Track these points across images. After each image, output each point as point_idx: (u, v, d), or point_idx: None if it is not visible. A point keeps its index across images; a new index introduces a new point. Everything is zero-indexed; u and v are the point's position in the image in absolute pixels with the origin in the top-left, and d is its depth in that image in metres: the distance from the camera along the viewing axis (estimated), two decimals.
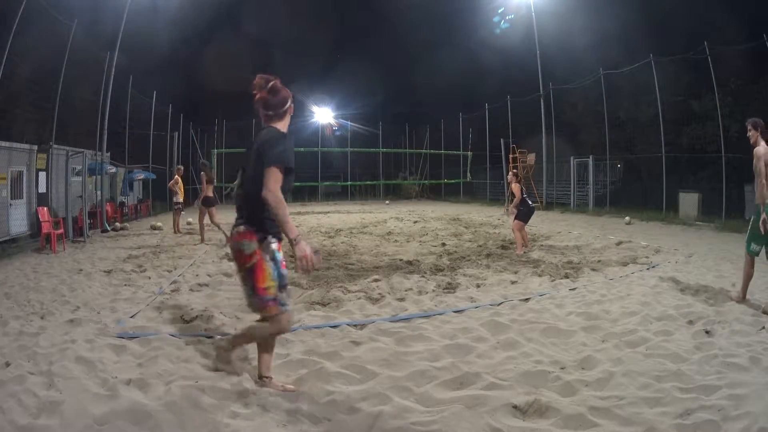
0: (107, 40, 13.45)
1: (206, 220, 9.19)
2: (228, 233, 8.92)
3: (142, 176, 17.14)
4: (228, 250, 6.96)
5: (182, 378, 2.82)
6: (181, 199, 11.22)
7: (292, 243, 2.42)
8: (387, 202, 23.86)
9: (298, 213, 16.87)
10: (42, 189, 10.19)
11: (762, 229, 4.02)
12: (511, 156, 19.70)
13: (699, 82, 14.45)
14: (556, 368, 2.96)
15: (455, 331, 3.69)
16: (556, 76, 18.82)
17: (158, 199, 18.66)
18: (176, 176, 11.37)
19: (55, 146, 10.59)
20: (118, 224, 12.37)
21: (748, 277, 4.33)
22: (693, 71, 14.84)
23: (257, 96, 2.59)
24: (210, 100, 27.87)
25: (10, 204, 9.29)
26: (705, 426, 2.25)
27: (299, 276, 5.83)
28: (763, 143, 4.18)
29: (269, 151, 2.43)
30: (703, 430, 2.24)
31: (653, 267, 6.16)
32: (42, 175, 10.21)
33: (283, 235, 2.50)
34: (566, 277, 5.62)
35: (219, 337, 3.43)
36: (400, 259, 6.88)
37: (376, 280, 5.47)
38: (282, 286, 2.61)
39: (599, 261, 6.61)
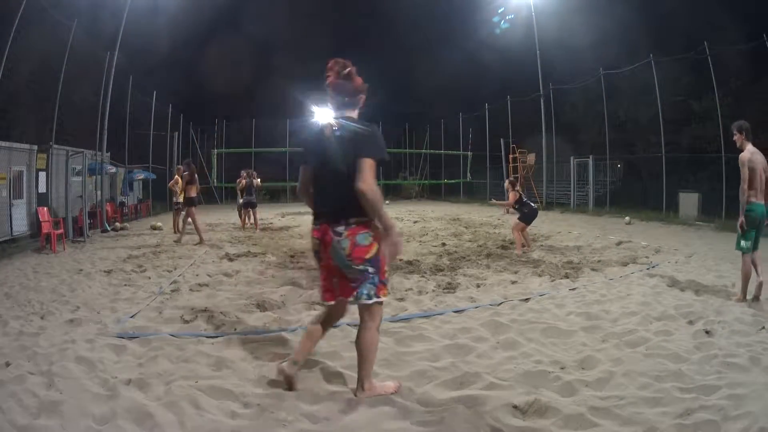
0: (107, 40, 13.45)
1: (191, 218, 9.20)
2: (203, 236, 8.99)
3: (142, 176, 17.14)
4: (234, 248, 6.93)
5: (182, 378, 2.82)
6: (181, 199, 11.22)
7: (389, 232, 2.40)
8: (387, 202, 23.84)
9: (298, 213, 16.86)
10: (42, 189, 10.19)
11: (740, 230, 4.35)
12: (511, 156, 19.71)
13: (699, 82, 14.45)
14: (556, 368, 2.96)
15: (455, 331, 3.69)
16: (556, 76, 18.83)
17: (158, 199, 18.66)
18: (176, 176, 11.36)
19: (55, 146, 10.60)
20: (118, 224, 12.37)
21: (747, 276, 4.38)
22: (693, 71, 14.85)
23: (331, 80, 2.53)
24: (210, 100, 27.89)
25: (12, 204, 9.31)
26: (705, 426, 2.25)
27: (299, 276, 5.84)
28: (748, 147, 4.32)
29: (367, 143, 2.39)
30: (703, 430, 2.24)
31: (653, 267, 6.16)
32: (42, 175, 10.21)
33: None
34: (566, 277, 5.62)
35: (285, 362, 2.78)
36: (400, 259, 6.87)
37: None
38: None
39: (599, 261, 6.62)
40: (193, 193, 9.29)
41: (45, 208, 9.23)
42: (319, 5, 31.93)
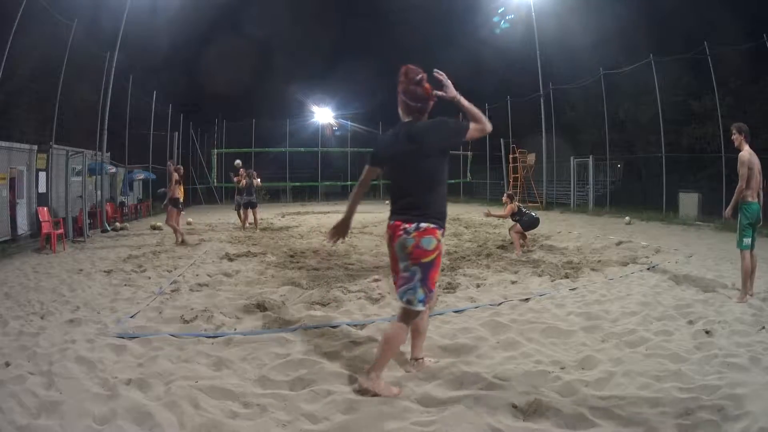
0: (107, 40, 13.45)
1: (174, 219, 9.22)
2: (182, 238, 8.98)
3: (142, 176, 17.15)
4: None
5: (182, 378, 2.82)
6: (181, 200, 11.22)
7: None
8: (387, 202, 23.83)
9: (298, 213, 16.87)
10: (42, 189, 10.19)
11: (728, 216, 4.55)
12: (511, 156, 19.71)
13: (699, 82, 14.46)
14: (556, 368, 2.96)
15: (455, 331, 3.69)
16: (556, 76, 18.83)
17: (158, 199, 18.66)
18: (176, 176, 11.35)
19: (55, 146, 10.60)
20: (118, 224, 12.37)
21: (748, 272, 4.45)
22: (693, 71, 14.86)
23: (404, 87, 2.64)
24: (210, 100, 27.90)
25: (17, 203, 9.35)
26: (705, 426, 2.25)
27: (299, 276, 5.85)
28: (746, 147, 4.47)
29: (446, 127, 2.64)
30: (703, 430, 2.24)
31: (653, 267, 6.16)
32: (42, 175, 10.21)
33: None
34: (566, 277, 5.62)
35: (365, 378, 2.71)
36: None
37: (376, 280, 5.47)
38: None
39: (599, 261, 6.61)
40: (177, 194, 9.29)
41: (45, 208, 9.24)
42: (319, 5, 31.94)
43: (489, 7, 21.38)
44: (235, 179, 11.91)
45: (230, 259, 7.12)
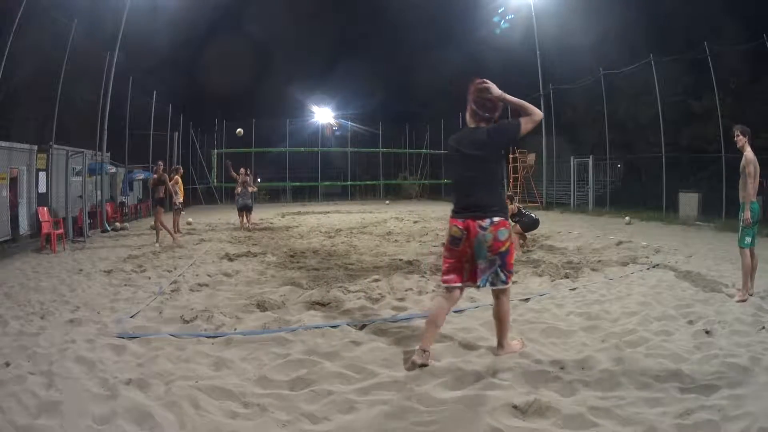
0: (107, 40, 13.45)
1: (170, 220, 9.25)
2: (171, 238, 8.98)
3: (142, 176, 17.14)
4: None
5: (182, 378, 2.83)
6: (181, 200, 11.24)
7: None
8: (387, 202, 23.86)
9: (298, 213, 16.87)
10: (42, 189, 10.20)
11: (745, 223, 4.53)
12: (511, 156, 19.70)
13: (699, 82, 14.45)
14: (556, 368, 2.96)
15: (455, 331, 3.68)
16: (556, 77, 18.82)
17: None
18: (176, 176, 11.37)
19: (55, 146, 10.60)
20: (118, 224, 12.38)
21: (748, 269, 4.51)
22: (693, 71, 14.84)
23: (475, 96, 2.94)
24: (210, 100, 27.88)
25: (19, 202, 9.36)
26: (705, 426, 2.25)
27: (299, 276, 5.85)
28: (749, 148, 4.56)
29: (505, 132, 2.94)
30: (703, 430, 2.24)
31: (653, 267, 6.16)
32: (42, 175, 10.22)
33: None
34: (566, 277, 5.62)
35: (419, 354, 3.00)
36: (400, 259, 6.88)
37: (376, 280, 5.47)
38: None
39: (599, 261, 6.61)
40: (164, 194, 9.28)
41: (45, 208, 9.24)
42: (319, 5, 31.93)
43: (489, 7, 21.40)
44: (233, 175, 11.89)
45: (230, 259, 7.13)
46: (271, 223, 13.00)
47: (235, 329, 3.82)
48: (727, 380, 2.70)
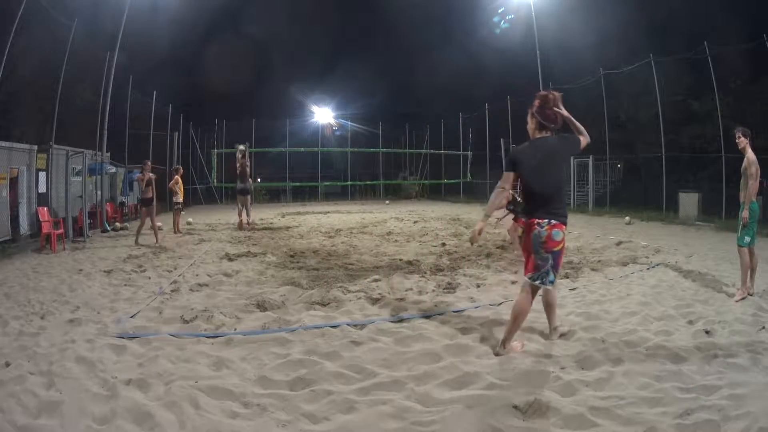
0: (107, 40, 13.45)
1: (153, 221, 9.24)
2: (156, 238, 8.99)
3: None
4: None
5: (182, 378, 2.83)
6: (181, 199, 11.23)
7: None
8: (387, 202, 23.86)
9: (298, 213, 16.87)
10: (42, 189, 10.20)
11: (743, 222, 4.61)
12: None
13: (699, 82, 14.44)
14: (556, 368, 2.96)
15: (455, 331, 3.69)
16: (556, 76, 18.81)
17: (158, 199, 18.65)
18: (176, 176, 11.38)
19: (55, 146, 10.59)
20: (118, 224, 12.37)
21: (747, 267, 4.60)
22: (693, 71, 14.84)
23: (540, 109, 3.24)
24: (210, 100, 27.89)
25: (19, 202, 9.36)
26: (705, 426, 2.25)
27: (299, 276, 5.85)
28: (750, 149, 4.63)
29: (572, 145, 3.30)
30: (703, 430, 2.24)
31: (653, 267, 6.16)
32: (42, 175, 10.21)
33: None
34: (566, 277, 5.62)
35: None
36: (400, 259, 6.88)
37: (376, 280, 5.47)
38: None
39: (599, 261, 6.61)
40: (150, 194, 9.29)
41: (45, 208, 9.24)
42: (319, 5, 31.93)
43: (489, 7, 21.39)
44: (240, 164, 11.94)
45: (230, 259, 7.13)
46: (271, 223, 13.00)
47: (235, 329, 3.82)
48: (727, 380, 2.70)
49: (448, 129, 26.44)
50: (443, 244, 8.40)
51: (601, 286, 5.15)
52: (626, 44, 16.88)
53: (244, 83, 28.06)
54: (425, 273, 5.92)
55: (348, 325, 3.87)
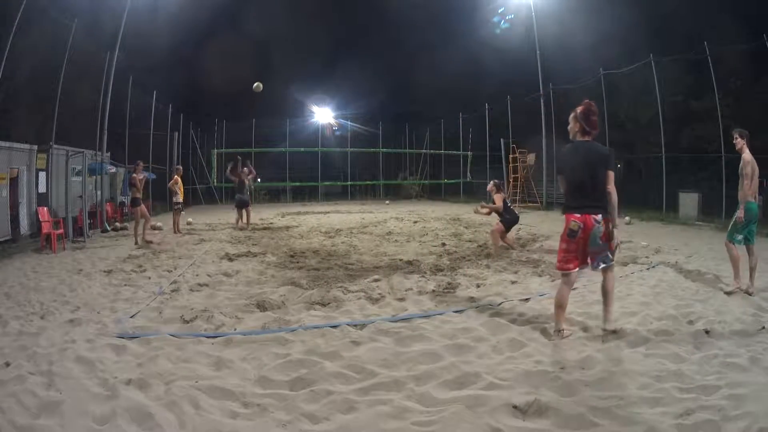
0: (107, 40, 13.45)
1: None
2: (142, 237, 8.99)
3: (142, 176, 17.12)
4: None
5: (182, 378, 2.83)
6: (181, 199, 11.24)
7: (615, 227, 3.54)
8: (387, 202, 23.85)
9: (298, 213, 16.86)
10: (42, 189, 10.20)
11: (738, 221, 4.75)
12: (511, 156, 19.71)
13: (699, 82, 14.44)
14: (556, 368, 2.96)
15: (455, 331, 3.69)
16: (556, 76, 18.82)
17: (158, 199, 18.67)
18: (176, 176, 11.38)
19: (55, 146, 10.60)
20: (118, 224, 12.38)
21: (737, 261, 4.81)
22: (693, 71, 14.84)
23: (585, 115, 3.64)
24: (210, 100, 27.89)
25: (19, 202, 9.36)
26: (705, 426, 2.25)
27: (299, 276, 5.85)
28: (747, 150, 4.77)
29: (610, 160, 3.57)
30: (703, 430, 2.24)
31: (653, 267, 6.16)
32: (42, 175, 10.22)
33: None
34: None
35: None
36: (400, 259, 6.88)
37: (376, 280, 5.47)
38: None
39: None
40: (138, 195, 9.33)
41: (45, 208, 9.24)
42: (319, 5, 31.93)
43: (489, 7, 21.40)
44: (233, 178, 11.96)
45: (230, 259, 7.13)
46: (271, 223, 13.00)
47: (235, 329, 3.82)
48: (727, 380, 2.70)
49: (448, 129, 26.43)
50: (443, 244, 8.40)
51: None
52: (626, 44, 16.88)
53: (244, 83, 28.00)
54: (425, 273, 5.92)
55: (348, 325, 3.87)
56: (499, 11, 21.04)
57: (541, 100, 18.94)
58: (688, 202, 12.81)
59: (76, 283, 5.52)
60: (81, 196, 11.00)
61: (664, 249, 7.62)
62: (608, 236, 3.51)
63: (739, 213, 4.73)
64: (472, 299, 4.69)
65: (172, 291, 5.14)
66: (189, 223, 12.57)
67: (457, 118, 25.62)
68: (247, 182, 11.80)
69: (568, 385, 2.73)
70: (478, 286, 5.28)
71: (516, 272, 5.93)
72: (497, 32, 21.74)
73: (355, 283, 5.37)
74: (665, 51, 14.20)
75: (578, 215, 3.49)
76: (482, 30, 23.41)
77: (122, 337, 3.58)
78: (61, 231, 8.78)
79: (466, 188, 25.26)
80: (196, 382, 2.78)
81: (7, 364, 3.01)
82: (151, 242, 8.98)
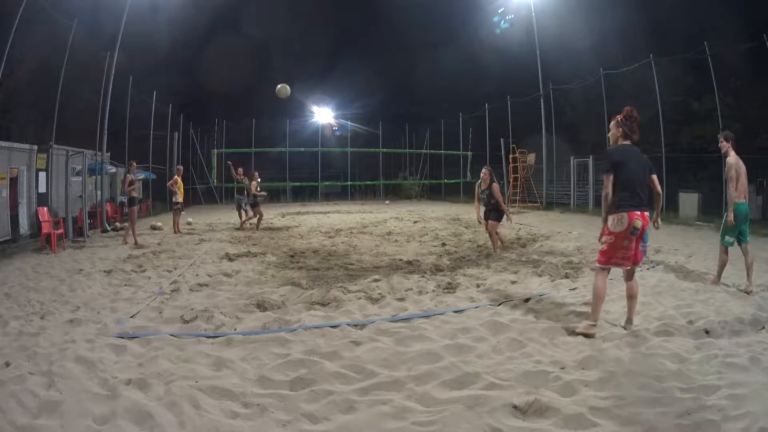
0: (107, 40, 13.45)
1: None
2: (134, 239, 8.98)
3: (142, 176, 17.13)
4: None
5: (182, 378, 2.83)
6: (180, 199, 11.24)
7: (658, 227, 4.03)
8: (387, 202, 23.85)
9: (298, 213, 16.87)
10: (42, 189, 10.19)
11: (728, 225, 4.91)
12: (511, 156, 19.71)
13: (699, 82, 14.44)
14: (556, 368, 2.96)
15: (455, 331, 3.69)
16: (556, 76, 18.82)
17: (158, 199, 18.67)
18: (175, 176, 11.38)
19: (55, 146, 10.59)
20: (118, 224, 12.37)
21: (723, 263, 5.06)
22: (693, 71, 14.84)
23: (628, 121, 3.84)
24: (210, 100, 27.88)
25: (19, 202, 9.36)
26: (705, 426, 2.25)
27: (299, 276, 5.85)
28: (733, 153, 4.91)
29: (652, 165, 3.88)
30: (703, 430, 2.24)
31: (653, 267, 6.16)
32: (42, 175, 10.21)
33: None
34: (566, 277, 5.62)
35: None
36: (400, 259, 6.88)
37: (376, 280, 5.47)
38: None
39: None
40: (135, 194, 9.34)
41: (45, 208, 9.24)
42: (319, 5, 31.92)
43: (489, 7, 21.40)
44: (235, 176, 12.00)
45: (230, 259, 7.13)
46: (271, 223, 13.00)
47: (235, 329, 3.82)
48: (727, 380, 2.69)
49: (448, 129, 26.43)
50: (443, 244, 8.40)
51: None
52: (626, 44, 16.89)
53: (244, 83, 28.04)
54: (425, 273, 5.92)
55: (348, 325, 3.87)
56: (499, 11, 21.04)
57: (541, 100, 18.94)
58: (688, 202, 12.81)
59: (76, 283, 5.52)
60: (81, 196, 11.01)
61: (664, 249, 7.62)
62: (645, 231, 3.73)
63: (729, 216, 4.86)
64: (472, 299, 4.69)
65: (172, 291, 5.14)
66: (189, 223, 12.57)
67: (457, 118, 25.62)
68: (246, 182, 11.82)
69: (568, 385, 2.73)
70: (478, 286, 5.28)
71: (516, 272, 5.93)
72: (497, 32, 21.74)
73: (355, 283, 5.37)
74: (665, 51, 14.21)
75: (638, 213, 3.60)
76: (482, 30, 23.44)
77: (122, 337, 3.58)
78: (61, 231, 8.78)
79: (466, 188, 25.25)
80: (196, 382, 2.78)
81: (7, 364, 3.01)
82: (134, 243, 8.96)
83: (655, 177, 3.94)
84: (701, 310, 4.08)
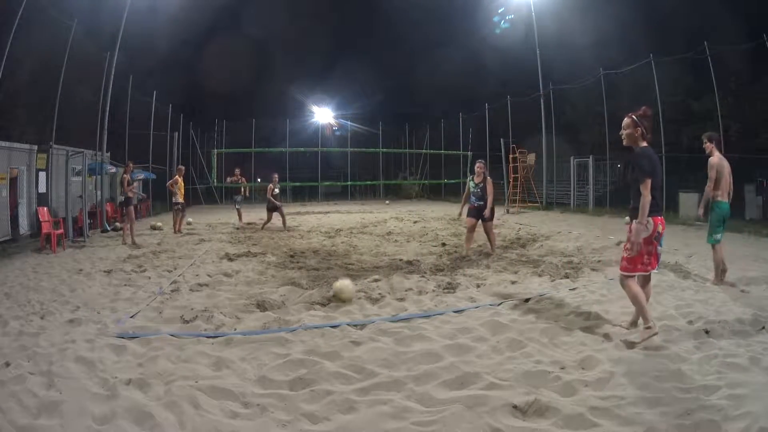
0: (107, 40, 13.45)
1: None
2: (131, 238, 8.99)
3: (142, 176, 17.13)
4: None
5: (182, 378, 2.83)
6: (180, 200, 11.24)
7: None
8: (387, 202, 23.86)
9: (298, 213, 16.87)
10: (42, 189, 10.20)
11: (702, 218, 5.10)
12: (511, 156, 19.71)
13: (699, 82, 14.45)
14: (556, 368, 2.96)
15: (455, 331, 3.69)
16: (556, 76, 18.82)
17: (158, 199, 18.66)
18: (175, 176, 11.38)
19: (55, 146, 10.60)
20: (118, 224, 12.36)
21: (718, 262, 5.11)
22: (693, 71, 14.84)
23: (645, 120, 3.57)
24: (210, 100, 27.91)
25: (19, 202, 9.36)
26: (705, 426, 2.25)
27: (299, 276, 5.85)
28: (716, 153, 5.03)
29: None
30: (703, 430, 2.24)
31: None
32: (42, 175, 10.22)
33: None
34: (566, 277, 5.62)
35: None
36: (400, 259, 6.88)
37: (376, 280, 5.47)
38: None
39: (599, 261, 6.61)
40: (131, 194, 9.36)
41: (45, 208, 9.24)
42: (319, 5, 31.94)
43: (489, 7, 21.41)
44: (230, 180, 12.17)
45: (230, 259, 7.13)
46: (271, 224, 13.00)
47: (235, 329, 3.82)
48: (727, 380, 2.69)
49: (448, 129, 26.43)
50: (443, 244, 8.40)
51: (601, 286, 5.14)
52: (626, 44, 16.90)
53: (244, 83, 28.08)
54: (425, 273, 5.92)
55: (348, 325, 3.87)
56: (499, 11, 21.05)
57: (541, 100, 18.94)
58: (688, 202, 12.80)
59: (76, 283, 5.52)
60: (81, 196, 11.01)
61: (664, 249, 7.60)
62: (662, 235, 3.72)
63: (699, 210, 5.10)
64: (472, 299, 4.69)
65: (172, 291, 5.14)
66: (189, 223, 12.57)
67: (457, 118, 25.62)
68: (243, 182, 11.92)
69: (568, 385, 2.73)
70: (478, 286, 5.28)
71: (516, 272, 5.93)
72: (497, 32, 21.75)
73: (355, 283, 5.36)
74: (665, 51, 14.21)
75: (660, 218, 3.56)
76: (482, 30, 23.44)
77: (122, 337, 3.57)
78: (61, 231, 8.78)
79: (465, 188, 25.24)
80: (196, 382, 2.78)
81: (7, 364, 3.01)
82: (131, 242, 8.98)
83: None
84: (701, 310, 4.08)
